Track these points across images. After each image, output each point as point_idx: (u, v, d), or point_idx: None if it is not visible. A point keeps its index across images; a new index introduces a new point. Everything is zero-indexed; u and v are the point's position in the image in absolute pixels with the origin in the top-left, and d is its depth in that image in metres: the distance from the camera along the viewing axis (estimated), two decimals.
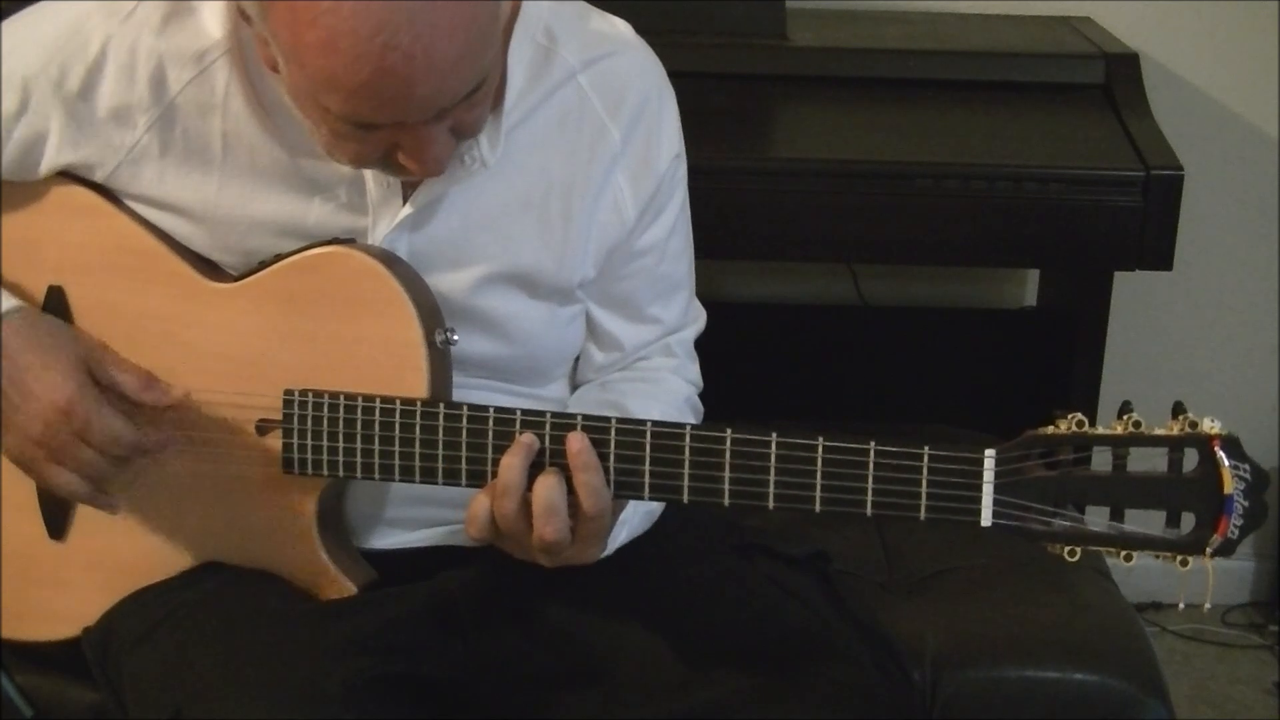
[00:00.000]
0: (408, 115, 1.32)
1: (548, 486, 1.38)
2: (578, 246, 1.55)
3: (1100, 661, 1.73)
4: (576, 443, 1.38)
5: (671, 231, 1.61)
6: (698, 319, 1.69)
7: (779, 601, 1.56)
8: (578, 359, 1.65)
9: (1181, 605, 1.28)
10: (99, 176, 1.52)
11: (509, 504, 1.39)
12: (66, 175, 1.54)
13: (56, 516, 1.58)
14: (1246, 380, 2.88)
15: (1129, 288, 2.57)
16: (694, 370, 1.68)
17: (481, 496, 1.41)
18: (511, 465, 1.39)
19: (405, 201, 1.50)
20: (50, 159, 1.51)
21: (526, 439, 1.40)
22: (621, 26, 1.60)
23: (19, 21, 1.53)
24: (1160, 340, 2.85)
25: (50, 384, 1.45)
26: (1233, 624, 2.86)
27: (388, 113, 1.32)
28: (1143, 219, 2.21)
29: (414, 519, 1.58)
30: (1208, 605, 1.31)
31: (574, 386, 1.67)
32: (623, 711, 1.48)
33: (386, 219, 1.51)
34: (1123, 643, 1.78)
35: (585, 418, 1.41)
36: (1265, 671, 2.76)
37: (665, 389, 1.62)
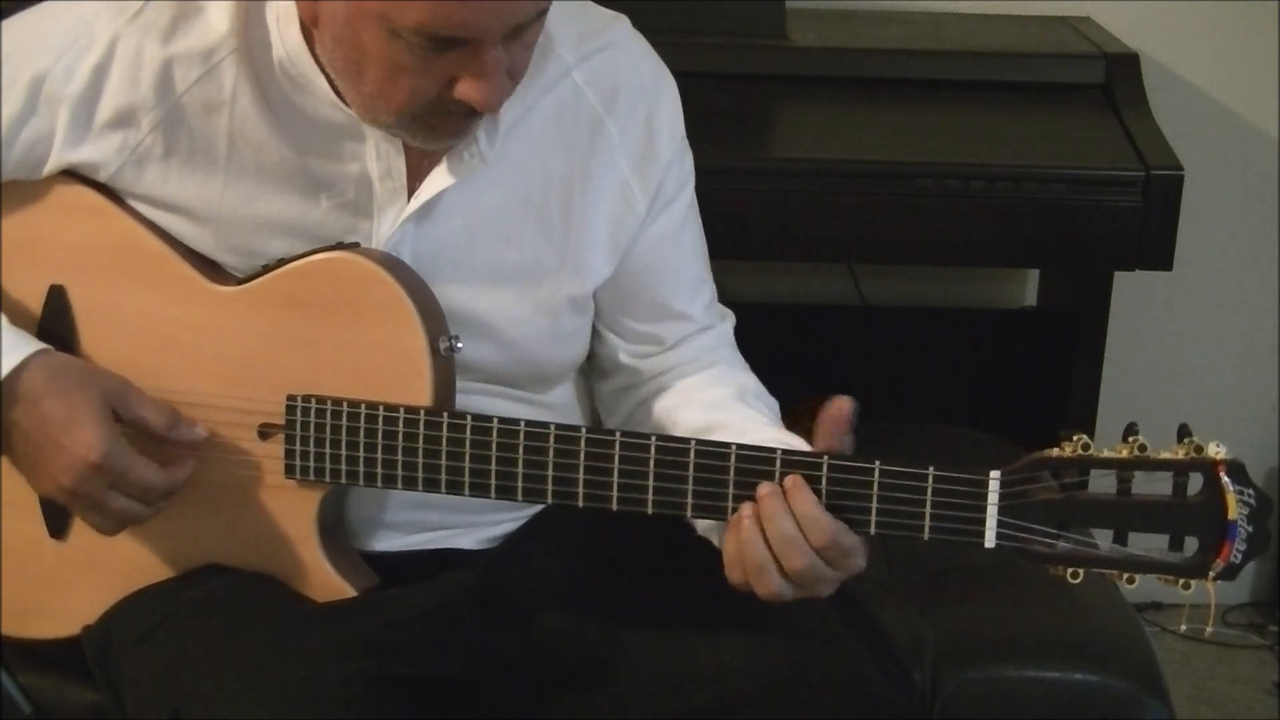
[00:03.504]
0: (492, 22, 1.32)
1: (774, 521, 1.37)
2: (581, 244, 1.55)
3: (1100, 661, 1.73)
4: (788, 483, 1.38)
5: (683, 224, 1.61)
6: (726, 315, 1.69)
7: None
8: (612, 370, 1.65)
9: (1183, 627, 1.29)
10: (102, 176, 1.52)
11: (773, 581, 1.38)
12: (69, 174, 1.53)
13: (56, 516, 1.58)
14: (1246, 380, 2.88)
15: (1129, 288, 2.57)
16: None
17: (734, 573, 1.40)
18: (753, 542, 1.37)
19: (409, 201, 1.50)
20: (54, 158, 1.51)
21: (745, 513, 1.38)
22: (616, 18, 1.60)
23: (22, 20, 1.53)
24: (1160, 340, 2.85)
25: (80, 439, 1.44)
26: (1233, 624, 2.85)
27: (475, 17, 1.31)
28: (1143, 219, 2.21)
29: (415, 522, 1.58)
30: (1209, 630, 1.32)
31: (606, 396, 1.67)
32: (623, 712, 1.48)
33: (391, 217, 1.51)
34: (1123, 643, 1.78)
35: (589, 431, 1.41)
36: (1265, 671, 2.76)
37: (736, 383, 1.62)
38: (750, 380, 1.63)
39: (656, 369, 1.63)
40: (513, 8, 1.33)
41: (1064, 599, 1.82)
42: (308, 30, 1.44)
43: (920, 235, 2.25)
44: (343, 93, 1.43)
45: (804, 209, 2.23)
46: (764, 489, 1.37)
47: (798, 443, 1.48)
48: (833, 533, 1.36)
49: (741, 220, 2.21)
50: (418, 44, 1.33)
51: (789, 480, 1.37)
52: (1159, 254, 2.24)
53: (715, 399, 1.58)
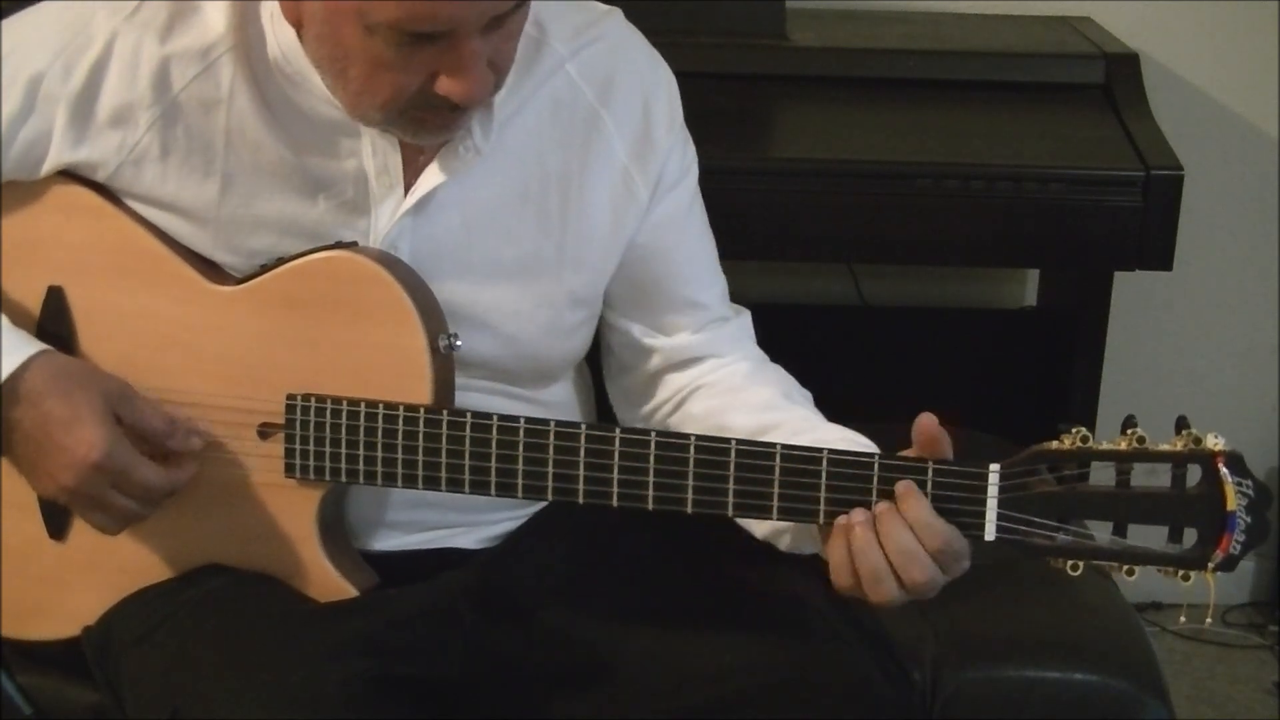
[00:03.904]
0: (465, 15, 1.32)
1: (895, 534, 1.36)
2: (580, 237, 1.56)
3: (1100, 661, 1.73)
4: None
5: (689, 210, 1.62)
6: (742, 310, 1.68)
7: (779, 601, 1.56)
8: (634, 361, 1.65)
9: (1183, 619, 1.30)
10: (101, 176, 1.52)
11: (889, 588, 1.37)
12: (68, 174, 1.53)
13: (56, 516, 1.58)
14: (1246, 380, 2.88)
15: (1129, 288, 2.57)
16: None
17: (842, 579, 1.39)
18: (868, 551, 1.37)
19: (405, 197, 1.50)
20: (53, 158, 1.51)
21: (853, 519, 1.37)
22: (609, 11, 1.60)
23: (21, 20, 1.53)
24: (1160, 340, 2.86)
25: (82, 439, 1.44)
26: (1233, 624, 2.86)
27: (447, 11, 1.31)
28: (1143, 219, 2.21)
29: (414, 522, 1.58)
30: (1209, 621, 1.32)
31: (635, 390, 1.66)
32: (623, 711, 1.48)
33: (387, 213, 1.51)
34: (1123, 643, 1.78)
35: (589, 427, 1.41)
36: (1265, 671, 2.76)
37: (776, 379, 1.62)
38: (785, 375, 1.64)
39: (679, 355, 1.63)
40: (486, 1, 1.33)
41: (1064, 599, 1.82)
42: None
43: (920, 235, 2.25)
44: (331, 90, 1.43)
45: (804, 209, 2.23)
46: (881, 506, 1.37)
47: (860, 439, 1.49)
48: (946, 537, 1.36)
49: (741, 220, 2.20)
50: (394, 39, 1.33)
51: (900, 488, 1.36)
52: (1159, 254, 2.24)
53: (764, 400, 1.57)
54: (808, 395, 1.63)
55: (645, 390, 1.65)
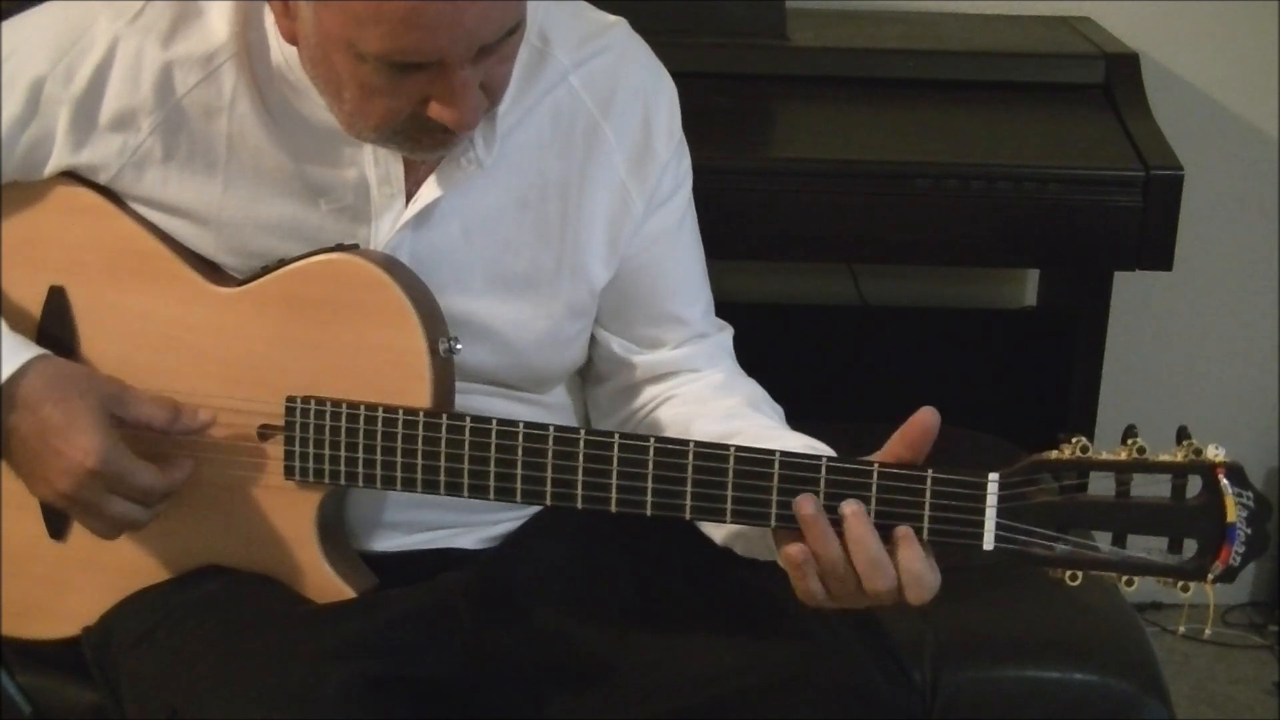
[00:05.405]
0: (453, 47, 1.32)
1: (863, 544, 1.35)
2: (578, 248, 1.55)
3: (1100, 661, 1.73)
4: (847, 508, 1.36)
5: (680, 224, 1.61)
6: (725, 327, 1.68)
7: (779, 601, 1.56)
8: (609, 371, 1.65)
9: (1181, 629, 1.30)
10: (102, 179, 1.52)
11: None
12: (70, 175, 1.53)
13: (57, 517, 1.58)
14: (1246, 380, 2.87)
15: (1129, 288, 2.57)
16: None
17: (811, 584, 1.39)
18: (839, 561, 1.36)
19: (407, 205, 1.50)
20: (55, 161, 1.51)
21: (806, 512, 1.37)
22: (614, 22, 1.60)
23: (22, 22, 1.53)
24: (1160, 340, 2.85)
25: (78, 445, 1.44)
26: (1233, 624, 2.86)
27: (434, 43, 1.31)
28: (1143, 219, 2.21)
29: (414, 522, 1.58)
30: (1208, 631, 1.32)
31: (604, 399, 1.66)
32: (621, 712, 1.48)
33: (388, 222, 1.51)
34: (1123, 643, 1.78)
35: (588, 432, 1.41)
36: (1265, 671, 2.76)
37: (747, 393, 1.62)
38: (757, 388, 1.63)
39: (656, 370, 1.63)
40: (474, 32, 1.33)
41: (1064, 599, 1.81)
42: None
43: (920, 235, 2.25)
44: (328, 107, 1.43)
45: (804, 209, 2.23)
46: (849, 507, 1.36)
47: (821, 448, 1.48)
48: (931, 585, 1.35)
49: (741, 220, 2.21)
50: (384, 68, 1.34)
51: (900, 531, 1.35)
52: (1159, 254, 2.24)
53: (729, 409, 1.57)
54: (778, 409, 1.62)
55: (618, 400, 1.65)
